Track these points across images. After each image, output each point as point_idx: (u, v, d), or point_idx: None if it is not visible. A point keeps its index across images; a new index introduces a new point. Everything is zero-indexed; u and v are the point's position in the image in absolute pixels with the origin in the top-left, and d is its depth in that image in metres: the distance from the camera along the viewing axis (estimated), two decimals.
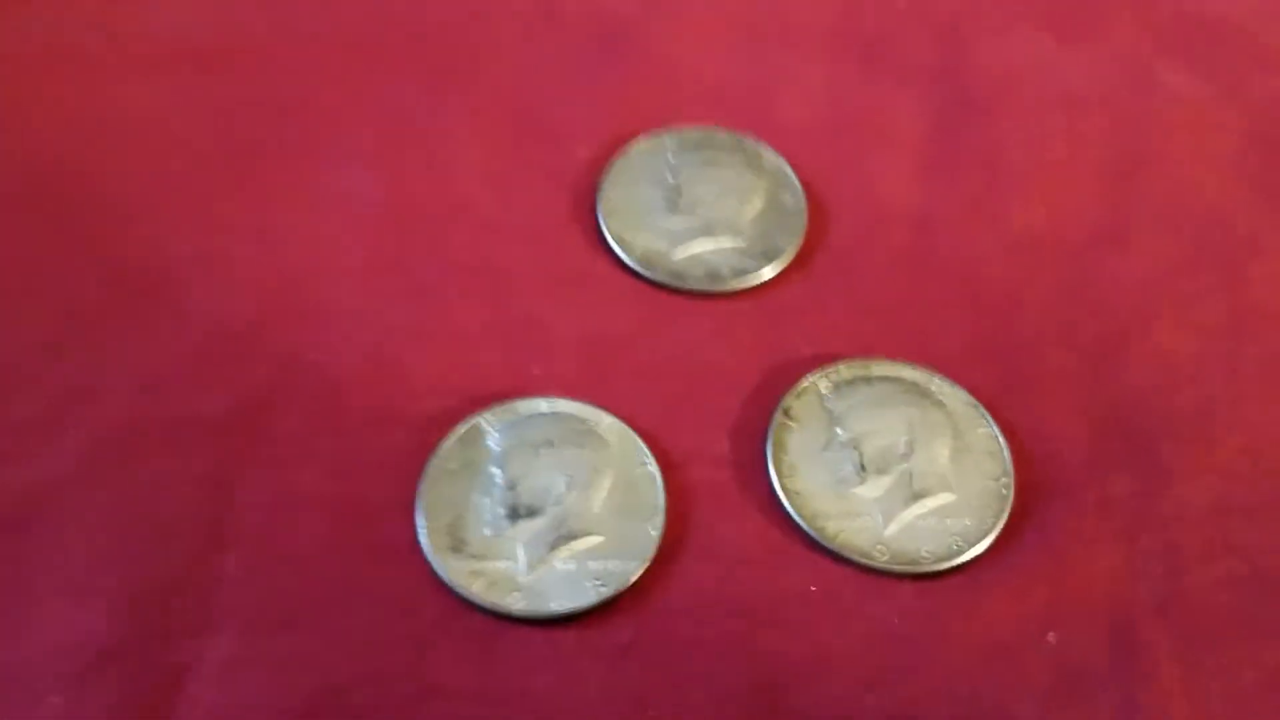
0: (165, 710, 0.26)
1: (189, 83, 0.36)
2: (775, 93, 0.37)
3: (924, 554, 0.28)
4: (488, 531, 0.28)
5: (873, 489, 0.29)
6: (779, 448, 0.29)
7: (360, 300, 0.32)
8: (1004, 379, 0.31)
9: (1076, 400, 0.31)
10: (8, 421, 0.29)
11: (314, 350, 0.31)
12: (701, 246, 0.33)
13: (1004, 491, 0.29)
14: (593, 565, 0.27)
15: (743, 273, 0.32)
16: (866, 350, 0.31)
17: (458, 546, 0.27)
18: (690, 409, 0.30)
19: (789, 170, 0.34)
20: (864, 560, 0.28)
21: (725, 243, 0.33)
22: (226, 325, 0.31)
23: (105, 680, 0.26)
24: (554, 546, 0.27)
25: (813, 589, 0.28)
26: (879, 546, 0.28)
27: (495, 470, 0.28)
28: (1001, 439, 0.30)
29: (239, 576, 0.27)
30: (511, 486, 0.28)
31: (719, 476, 0.29)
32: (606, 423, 0.29)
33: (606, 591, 0.27)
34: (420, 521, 0.28)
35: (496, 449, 0.29)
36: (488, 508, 0.28)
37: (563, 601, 0.27)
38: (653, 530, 0.28)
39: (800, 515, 0.28)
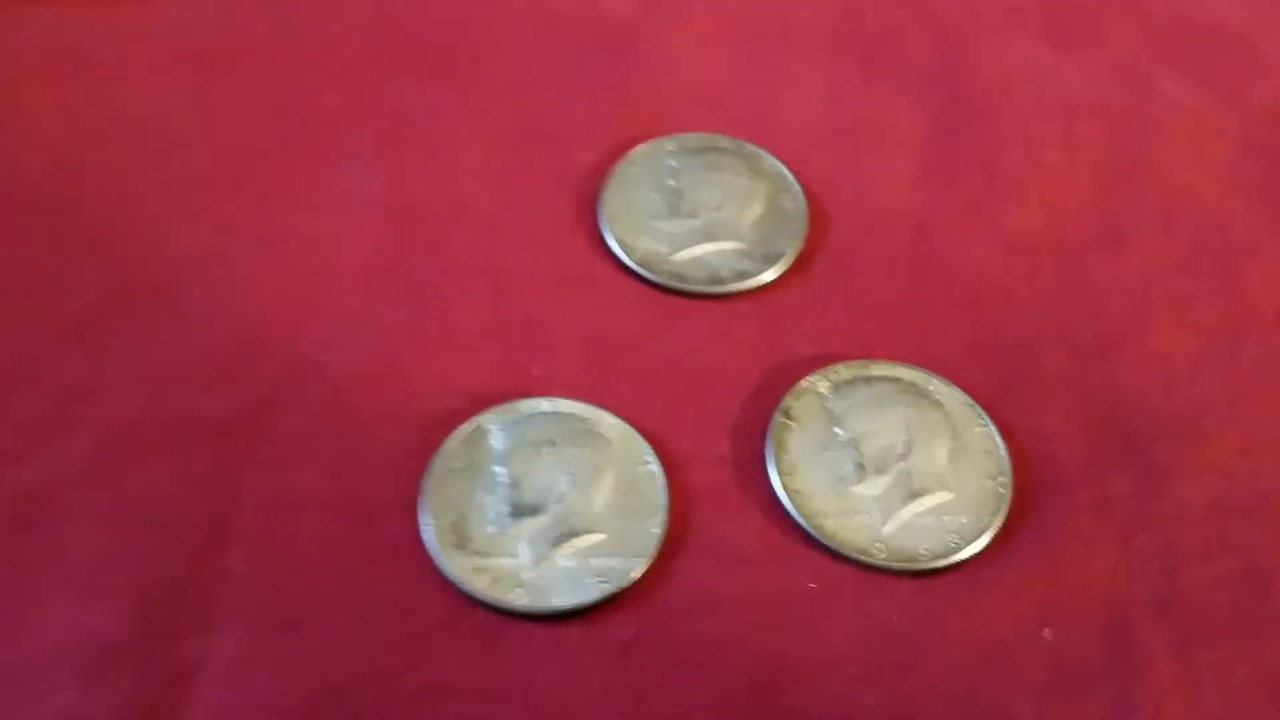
0: (173, 708, 0.26)
1: (191, 84, 0.36)
2: (775, 97, 0.37)
3: (922, 552, 0.28)
4: (491, 529, 0.28)
5: (872, 488, 0.29)
6: (779, 447, 0.29)
7: (363, 301, 0.32)
8: (1002, 379, 0.31)
9: (1073, 400, 0.31)
10: (13, 421, 0.29)
11: (317, 351, 0.31)
12: (702, 249, 0.33)
13: (1001, 490, 0.29)
14: (595, 562, 0.28)
15: (743, 275, 0.33)
16: (866, 351, 0.31)
17: (462, 544, 0.28)
18: (691, 409, 0.30)
19: (789, 174, 0.35)
20: (863, 558, 0.28)
21: (726, 245, 0.33)
22: (229, 326, 0.31)
23: (113, 678, 0.26)
24: (556, 544, 0.28)
25: (812, 586, 0.28)
26: (877, 544, 0.28)
27: (498, 469, 0.29)
28: (999, 439, 0.30)
29: (244, 575, 0.27)
30: (514, 485, 0.28)
31: (719, 476, 0.29)
32: (608, 422, 0.29)
33: (608, 588, 0.27)
34: (424, 519, 0.28)
35: (499, 448, 0.29)
36: (491, 506, 0.28)
37: (565, 598, 0.27)
38: (654, 528, 0.28)
39: (800, 514, 0.28)
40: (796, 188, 0.34)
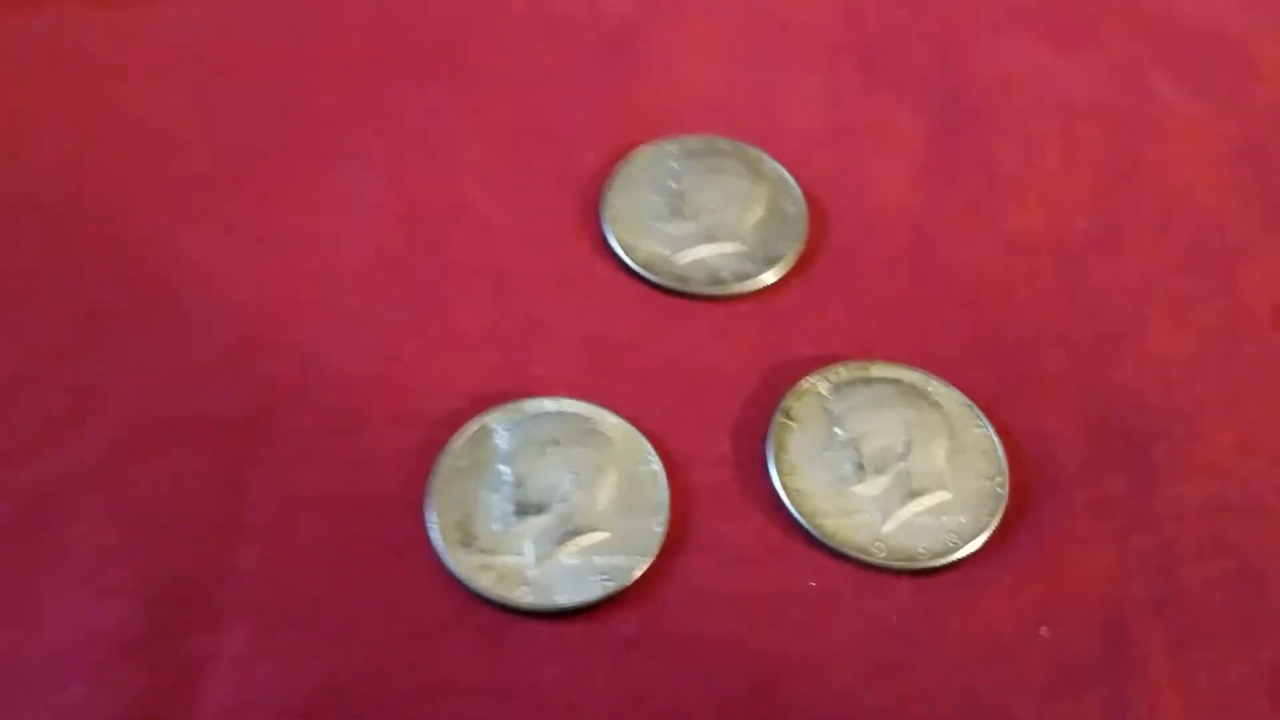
0: (182, 704, 0.26)
1: (194, 85, 0.36)
2: (776, 100, 0.37)
3: (921, 551, 0.28)
4: (496, 527, 0.28)
5: (871, 488, 0.29)
6: (779, 447, 0.30)
7: (368, 301, 0.32)
8: (1000, 380, 0.32)
9: (1071, 401, 0.31)
10: (21, 421, 0.29)
11: (324, 351, 0.31)
12: (704, 251, 0.33)
13: (999, 490, 0.29)
14: (598, 560, 0.28)
15: (744, 277, 0.33)
16: (866, 352, 0.32)
17: (467, 542, 0.28)
18: (693, 409, 0.31)
19: (789, 177, 0.35)
20: (862, 557, 0.28)
21: (727, 247, 0.33)
22: (235, 326, 0.31)
23: (122, 674, 0.26)
24: (561, 542, 0.28)
25: (812, 585, 0.28)
26: (877, 543, 0.28)
27: (503, 468, 0.29)
28: (996, 439, 0.30)
29: (253, 572, 0.27)
30: (519, 484, 0.29)
31: (721, 475, 0.30)
32: (611, 422, 0.30)
33: (612, 586, 0.27)
34: (430, 518, 0.28)
35: (504, 447, 0.29)
36: (496, 504, 0.28)
37: (569, 595, 0.27)
38: (656, 527, 0.28)
39: (800, 513, 0.29)
40: (797, 190, 0.35)
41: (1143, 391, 0.32)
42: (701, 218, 0.34)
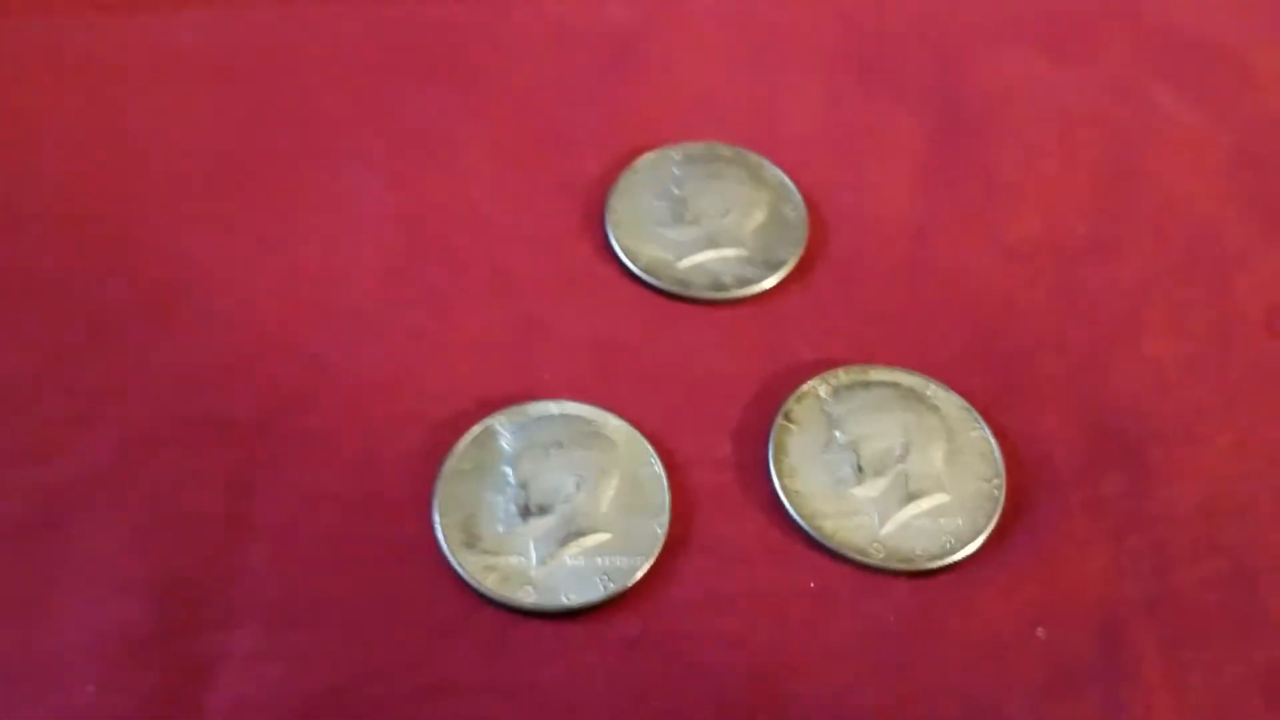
0: (194, 700, 0.26)
1: (202, 91, 0.36)
2: (777, 108, 0.37)
3: (918, 552, 0.29)
4: (500, 528, 0.28)
5: (870, 490, 0.29)
6: (780, 450, 0.30)
7: (375, 305, 0.32)
8: (997, 384, 0.32)
9: (1067, 404, 0.32)
10: (36, 423, 0.30)
11: (331, 353, 0.31)
12: (706, 256, 0.33)
13: (996, 493, 0.30)
14: (601, 561, 0.28)
15: (745, 282, 0.33)
16: (865, 356, 0.32)
17: (472, 542, 0.28)
18: (694, 412, 0.31)
19: (790, 183, 0.35)
20: (861, 558, 0.29)
21: (729, 253, 0.34)
22: (246, 329, 0.32)
23: (135, 671, 0.26)
24: (563, 543, 0.28)
25: (811, 586, 0.28)
26: (875, 545, 0.29)
27: (507, 470, 0.29)
28: (994, 442, 0.30)
29: (261, 572, 0.28)
30: (523, 485, 0.29)
31: (722, 477, 0.30)
32: (614, 425, 0.30)
33: (614, 586, 0.28)
34: (436, 519, 0.28)
35: (509, 449, 0.29)
36: (500, 506, 0.29)
37: (572, 596, 0.28)
38: (658, 528, 0.29)
39: (800, 515, 0.29)
40: (798, 196, 0.35)
41: (1138, 395, 0.32)
42: (703, 223, 0.34)
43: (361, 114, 0.36)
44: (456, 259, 0.33)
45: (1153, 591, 0.29)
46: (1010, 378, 0.32)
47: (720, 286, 0.33)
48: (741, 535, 0.29)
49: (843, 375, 0.31)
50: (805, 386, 0.31)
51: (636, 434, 0.30)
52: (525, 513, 0.29)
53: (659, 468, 0.30)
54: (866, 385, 0.31)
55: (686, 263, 0.33)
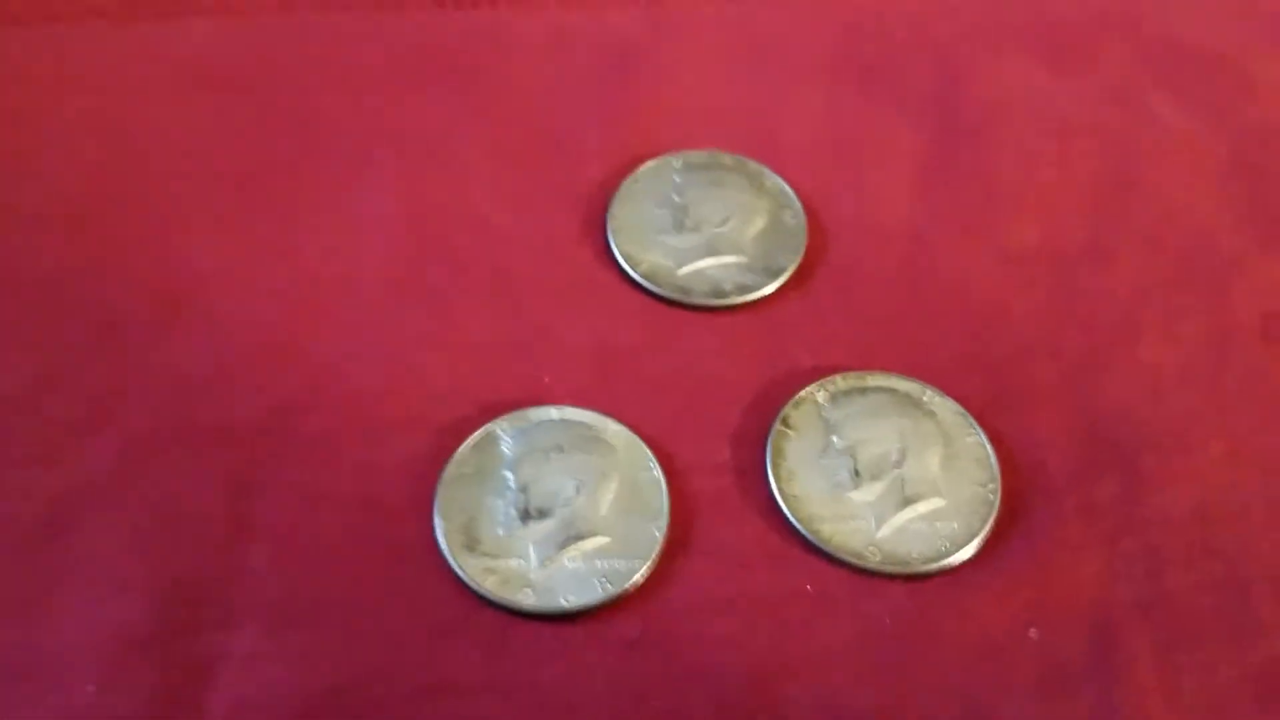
0: (195, 700, 0.26)
1: (210, 100, 0.37)
2: (778, 117, 0.38)
3: (914, 556, 0.29)
4: (501, 532, 0.29)
5: (866, 494, 0.30)
6: (778, 454, 0.30)
7: (379, 311, 0.33)
8: (993, 389, 0.32)
9: (1062, 410, 0.32)
10: (42, 426, 0.30)
11: (335, 358, 0.32)
12: (706, 263, 0.34)
13: (991, 497, 0.30)
14: (600, 564, 0.28)
15: (745, 288, 0.33)
16: (863, 362, 0.32)
17: (472, 545, 0.28)
18: (694, 417, 0.31)
19: (790, 191, 0.35)
20: (857, 562, 0.29)
21: (728, 260, 0.34)
22: (250, 334, 0.32)
23: (136, 671, 0.27)
24: (563, 546, 0.28)
25: (809, 588, 0.29)
26: (872, 549, 0.29)
27: (508, 474, 0.29)
28: (989, 447, 0.31)
29: (263, 573, 0.28)
30: (523, 489, 0.29)
31: (720, 481, 0.30)
32: (614, 430, 0.30)
33: (613, 589, 0.28)
34: (437, 522, 0.29)
35: (509, 454, 0.30)
36: (501, 509, 0.29)
37: (571, 598, 0.28)
38: (657, 532, 0.29)
39: (797, 518, 0.29)
40: (797, 204, 0.35)
41: (1133, 401, 0.32)
42: (703, 230, 0.34)
43: (364, 120, 0.37)
44: (458, 264, 0.34)
45: (1146, 595, 0.29)
46: (1006, 383, 0.32)
47: (720, 293, 0.33)
48: (740, 539, 0.29)
49: (840, 381, 0.31)
50: (803, 392, 0.31)
51: (636, 439, 0.30)
52: (525, 516, 0.29)
53: (658, 472, 0.30)
54: (864, 391, 0.31)
55: (687, 269, 0.34)
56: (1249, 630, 0.29)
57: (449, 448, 0.30)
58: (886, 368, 0.32)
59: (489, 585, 0.28)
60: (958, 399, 0.31)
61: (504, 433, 0.30)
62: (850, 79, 0.39)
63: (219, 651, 0.27)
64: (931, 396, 0.31)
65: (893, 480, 0.30)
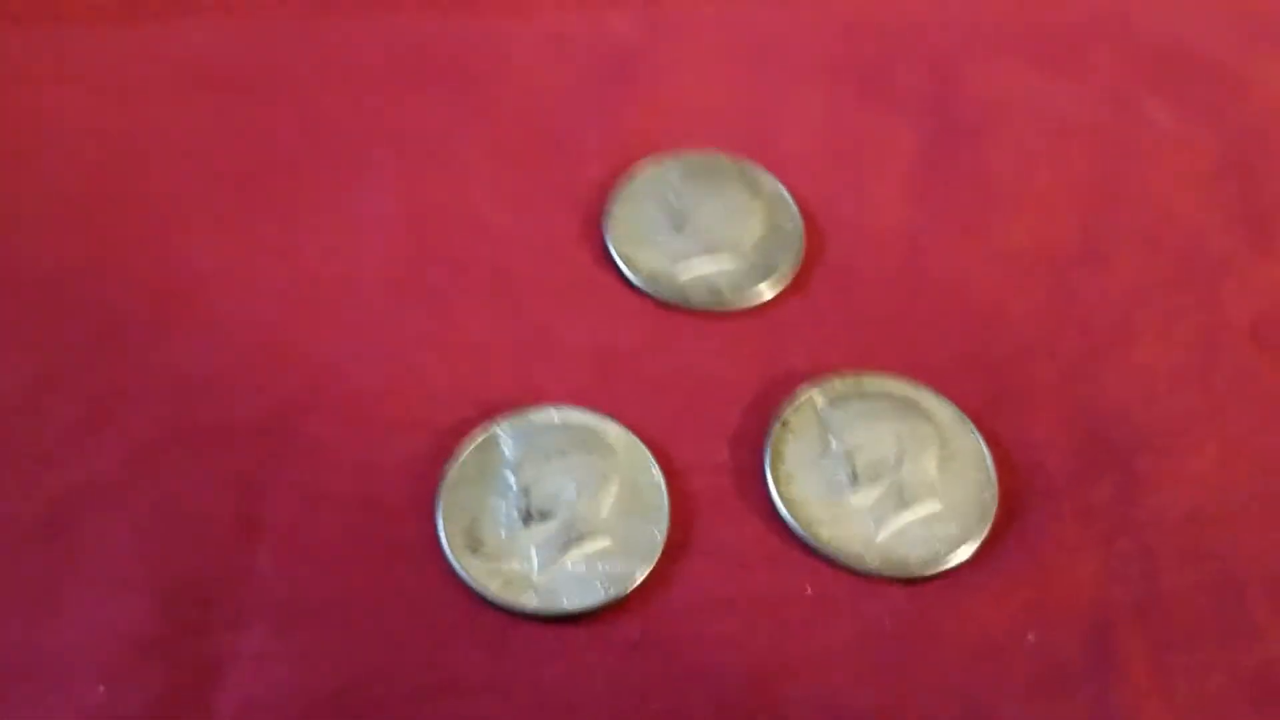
0: (202, 701, 0.27)
1: (211, 101, 0.37)
2: (776, 119, 0.38)
3: (913, 558, 0.29)
4: (503, 534, 0.29)
5: (865, 497, 0.30)
6: (777, 457, 0.30)
7: (381, 312, 0.33)
8: (991, 392, 0.32)
9: (1059, 412, 0.32)
10: (48, 426, 0.30)
11: (338, 360, 0.32)
12: (704, 266, 0.34)
13: (988, 499, 0.30)
14: (601, 566, 0.28)
15: (743, 291, 0.33)
16: (861, 365, 0.32)
17: (474, 547, 0.29)
18: (693, 419, 0.31)
19: (788, 194, 0.35)
20: (856, 564, 0.29)
21: (727, 263, 0.34)
22: (253, 335, 0.32)
23: (143, 672, 0.27)
24: (565, 548, 0.29)
25: (808, 591, 0.29)
26: (870, 551, 0.29)
27: (510, 476, 0.30)
28: (986, 449, 0.31)
29: (269, 574, 0.28)
30: (525, 491, 0.29)
31: (720, 483, 0.30)
32: (614, 432, 0.30)
33: (614, 591, 0.28)
34: (439, 523, 0.29)
35: (511, 456, 0.30)
36: (503, 511, 0.29)
37: (573, 600, 0.28)
38: (658, 534, 0.29)
39: (796, 521, 0.29)
40: (795, 207, 0.35)
41: (1128, 403, 0.32)
42: (702, 233, 0.34)
43: (364, 122, 0.37)
44: (458, 265, 0.34)
45: (1142, 596, 0.29)
46: (1003, 385, 0.32)
47: (718, 296, 0.33)
48: (739, 541, 0.30)
49: (838, 384, 0.32)
50: (802, 395, 0.31)
51: (636, 441, 0.30)
52: (527, 518, 0.29)
53: (658, 474, 0.30)
54: (861, 394, 0.32)
55: (685, 272, 0.34)
56: (1244, 631, 0.29)
57: (449, 448, 0.30)
58: (884, 369, 0.32)
59: (491, 587, 0.28)
60: (955, 401, 0.32)
61: (505, 434, 0.30)
62: (848, 81, 0.39)
63: (227, 652, 0.27)
64: (929, 399, 0.32)
65: (891, 483, 0.30)
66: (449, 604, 0.28)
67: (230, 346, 0.32)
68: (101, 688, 0.27)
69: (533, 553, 0.29)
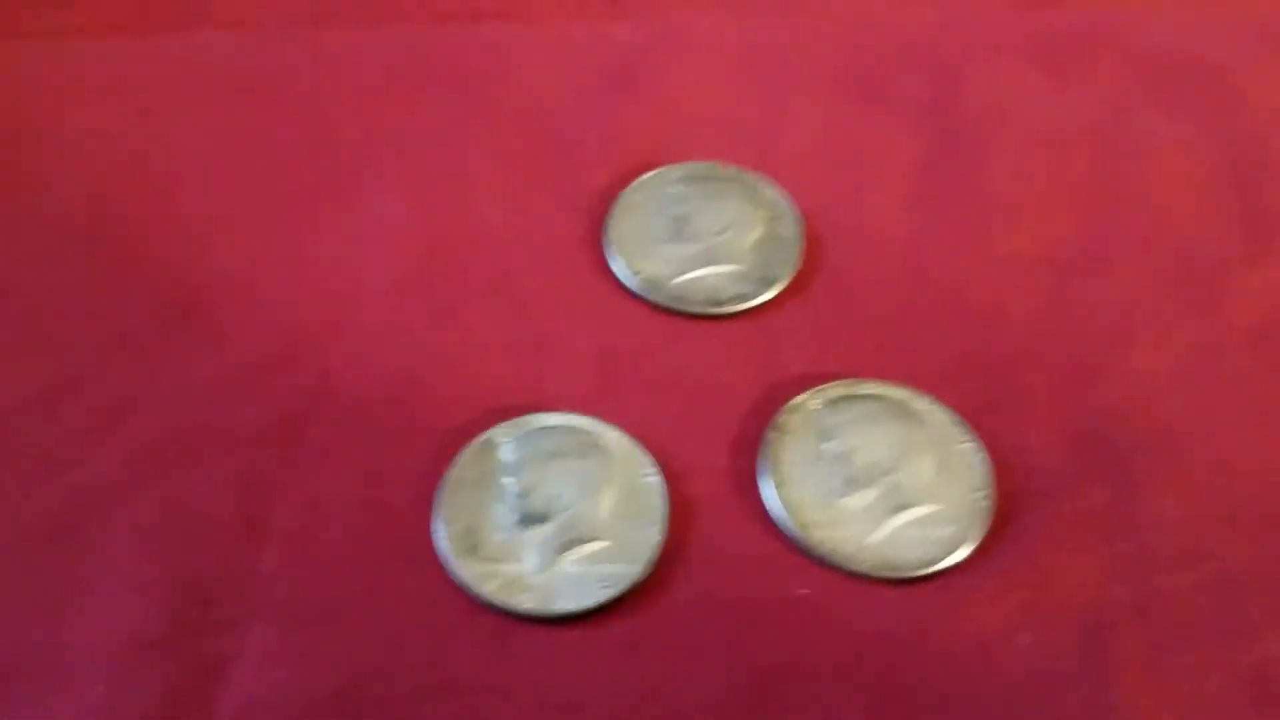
0: (207, 699, 0.27)
1: (225, 112, 0.37)
2: (776, 127, 0.38)
3: (908, 561, 0.29)
4: (501, 536, 0.29)
5: (860, 500, 0.30)
6: (773, 461, 0.31)
7: (386, 319, 0.33)
8: (988, 395, 0.32)
9: (1055, 415, 0.32)
10: (58, 429, 0.31)
11: (344, 366, 0.32)
12: (704, 272, 0.34)
13: (984, 502, 0.30)
14: (598, 568, 0.29)
15: (742, 297, 0.34)
16: (858, 369, 0.32)
17: (473, 550, 0.29)
18: (691, 423, 0.32)
19: (787, 201, 0.36)
20: (851, 566, 0.29)
21: (726, 269, 0.34)
22: (260, 341, 0.32)
23: (149, 670, 0.27)
24: (562, 550, 0.29)
25: (803, 592, 0.29)
26: (865, 554, 0.29)
27: (509, 479, 0.30)
28: (983, 453, 0.31)
29: (273, 575, 0.29)
30: (523, 495, 0.30)
31: (717, 487, 0.31)
32: (612, 436, 0.31)
33: (611, 593, 0.28)
34: (439, 526, 0.29)
35: (510, 460, 0.30)
36: (501, 514, 0.29)
37: (570, 602, 0.28)
38: (655, 536, 0.29)
39: (792, 523, 0.30)
40: (794, 214, 0.35)
41: (1126, 406, 0.32)
42: (702, 240, 0.35)
43: (371, 131, 0.37)
44: (463, 274, 0.34)
45: (1139, 598, 0.29)
46: (1000, 389, 0.33)
47: (717, 302, 0.34)
48: (736, 543, 0.30)
49: (835, 389, 0.32)
50: (798, 399, 0.32)
51: (634, 444, 0.31)
52: (525, 521, 0.29)
53: (656, 477, 0.30)
54: (858, 398, 0.32)
55: (685, 278, 0.34)
56: (1240, 633, 0.29)
57: (450, 452, 0.30)
58: (882, 374, 0.32)
59: (490, 589, 0.28)
60: (953, 405, 0.32)
61: (504, 439, 0.31)
62: (848, 89, 0.39)
63: (230, 652, 0.28)
64: (925, 403, 0.32)
65: (886, 486, 0.30)
66: (448, 605, 0.28)
67: (238, 353, 0.32)
68: (105, 687, 0.27)
69: (531, 555, 0.29)
